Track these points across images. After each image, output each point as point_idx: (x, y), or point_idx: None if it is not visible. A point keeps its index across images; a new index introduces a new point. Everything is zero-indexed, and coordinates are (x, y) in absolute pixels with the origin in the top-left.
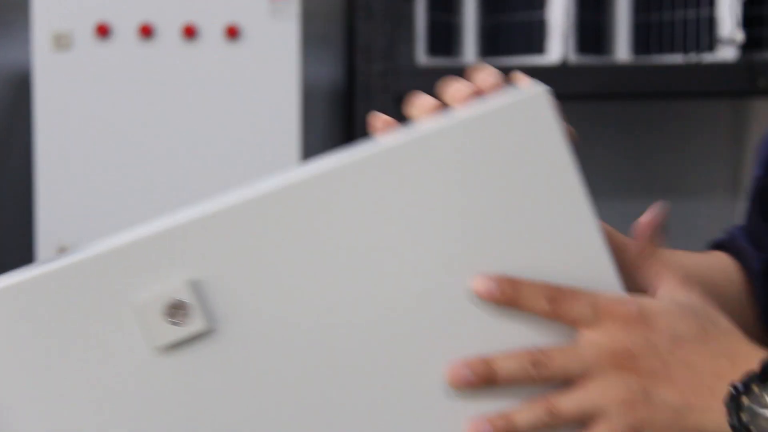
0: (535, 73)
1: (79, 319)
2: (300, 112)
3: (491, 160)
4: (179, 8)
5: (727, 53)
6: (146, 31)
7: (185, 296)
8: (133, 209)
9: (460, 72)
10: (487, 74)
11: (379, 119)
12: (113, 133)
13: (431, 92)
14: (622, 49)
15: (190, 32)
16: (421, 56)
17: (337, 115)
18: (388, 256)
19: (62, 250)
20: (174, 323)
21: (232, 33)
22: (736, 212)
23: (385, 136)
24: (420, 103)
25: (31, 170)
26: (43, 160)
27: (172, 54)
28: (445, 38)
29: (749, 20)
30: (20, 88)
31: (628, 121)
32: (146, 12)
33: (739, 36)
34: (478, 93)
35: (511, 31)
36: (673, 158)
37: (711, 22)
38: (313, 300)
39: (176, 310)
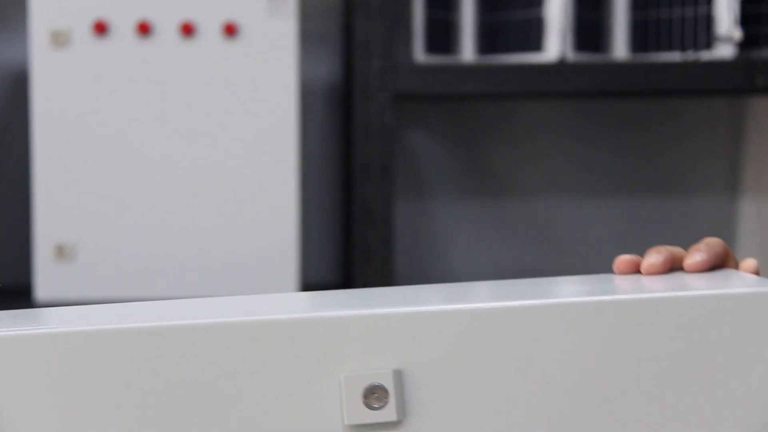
0: (532, 71)
1: (267, 373)
2: (298, 110)
3: (711, 336)
4: (177, 6)
5: (725, 51)
6: (144, 29)
7: (388, 384)
8: (132, 207)
9: (458, 70)
10: (702, 255)
11: (622, 262)
12: (111, 131)
13: (429, 89)
14: (620, 47)
15: (187, 30)
16: (419, 54)
17: (335, 113)
18: (578, 395)
19: (60, 249)
20: (369, 406)
21: (230, 30)
22: (734, 210)
23: (619, 281)
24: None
25: (29, 168)
26: (41, 158)
27: (170, 51)
28: (443, 36)
29: (747, 18)
30: (18, 85)
31: (625, 119)
32: (144, 9)
33: (737, 34)
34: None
35: (509, 29)
36: (671, 156)
37: (709, 20)
38: (501, 417)
39: (375, 394)
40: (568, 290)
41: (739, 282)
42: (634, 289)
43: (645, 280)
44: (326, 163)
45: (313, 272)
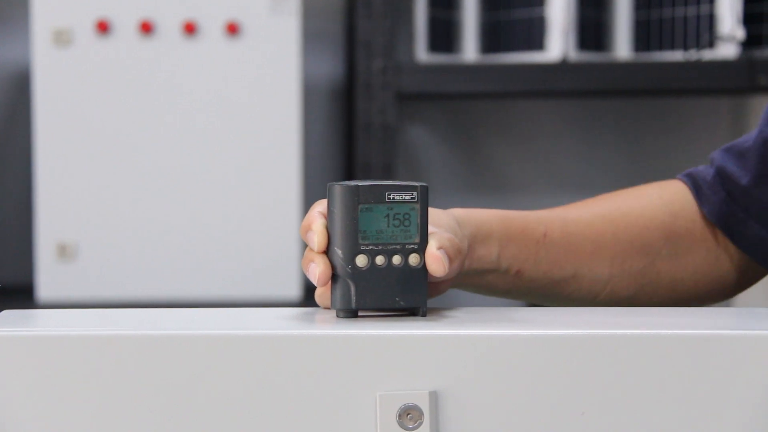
0: (535, 70)
1: (303, 387)
2: (300, 109)
3: (751, 374)
4: (179, 4)
5: (727, 50)
6: (146, 28)
7: (424, 405)
8: (134, 206)
9: (460, 69)
10: None
11: None
12: (113, 130)
13: (431, 88)
14: (623, 46)
15: (190, 29)
16: (422, 53)
17: (337, 112)
18: (614, 426)
19: (62, 249)
20: (404, 426)
21: (233, 29)
22: None
23: (675, 316)
24: None
25: (31, 167)
26: (43, 157)
27: (173, 50)
28: (445, 35)
29: (750, 17)
30: (20, 84)
31: (627, 118)
32: (146, 8)
33: (740, 33)
34: None
35: (512, 28)
36: (673, 155)
37: (711, 19)
38: None
39: (409, 415)
40: (613, 322)
41: None
42: (682, 324)
43: (706, 317)
44: (328, 162)
45: None
